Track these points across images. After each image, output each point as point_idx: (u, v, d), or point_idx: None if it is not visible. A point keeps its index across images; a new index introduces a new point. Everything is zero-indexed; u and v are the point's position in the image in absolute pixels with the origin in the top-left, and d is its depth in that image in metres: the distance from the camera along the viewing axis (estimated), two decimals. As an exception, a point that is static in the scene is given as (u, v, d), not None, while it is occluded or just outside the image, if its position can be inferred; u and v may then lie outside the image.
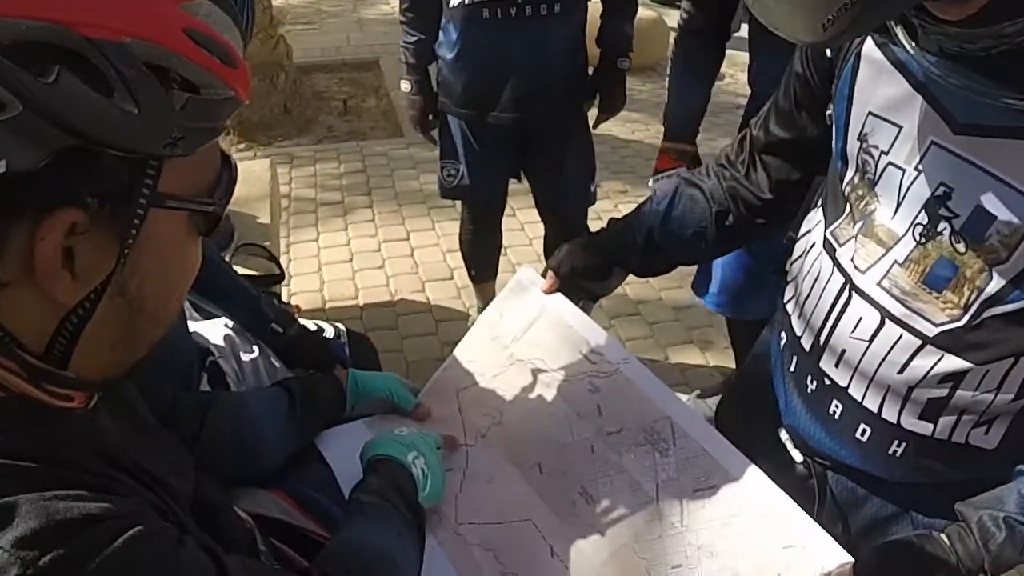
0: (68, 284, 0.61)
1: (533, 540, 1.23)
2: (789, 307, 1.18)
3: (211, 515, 0.90)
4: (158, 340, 0.74)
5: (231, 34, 0.64)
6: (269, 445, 1.29)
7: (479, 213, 3.00)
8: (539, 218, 3.03)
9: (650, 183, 2.40)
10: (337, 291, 3.60)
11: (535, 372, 1.38)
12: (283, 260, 3.71)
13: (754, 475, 1.14)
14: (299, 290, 3.60)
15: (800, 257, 1.18)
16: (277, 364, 1.72)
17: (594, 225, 2.97)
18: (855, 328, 1.04)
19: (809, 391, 1.13)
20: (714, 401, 2.81)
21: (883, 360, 1.02)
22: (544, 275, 1.44)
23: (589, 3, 2.60)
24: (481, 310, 3.18)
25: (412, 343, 3.27)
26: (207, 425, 1.20)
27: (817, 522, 1.09)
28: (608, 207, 4.29)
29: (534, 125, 2.65)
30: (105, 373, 0.71)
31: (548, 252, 3.06)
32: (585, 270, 1.41)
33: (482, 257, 3.13)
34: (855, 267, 1.04)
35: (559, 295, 1.42)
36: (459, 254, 3.19)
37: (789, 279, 1.21)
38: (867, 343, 1.03)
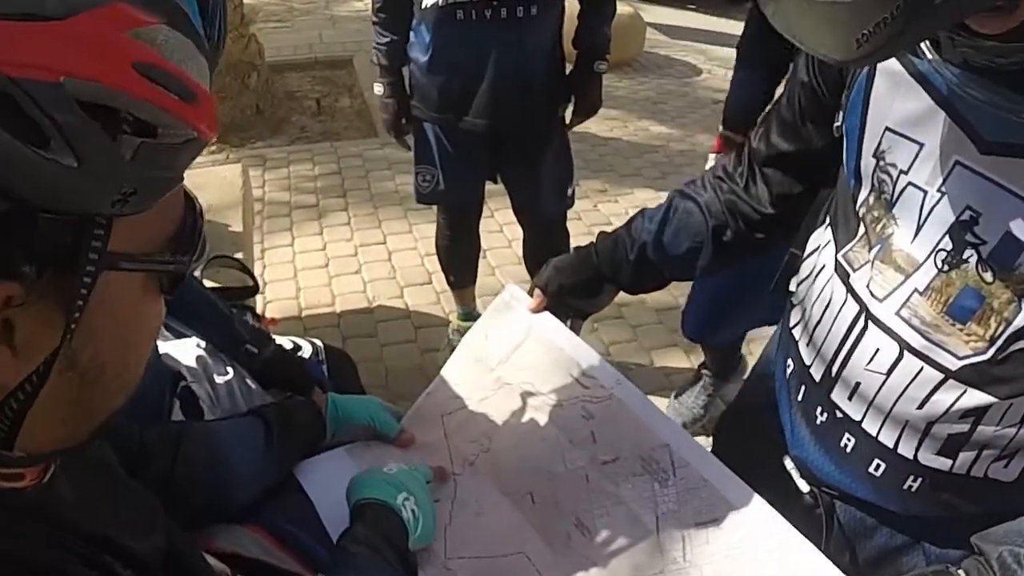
0: (8, 361, 0.53)
1: (527, 575, 1.17)
2: (796, 332, 1.12)
3: (184, 573, 0.83)
4: (121, 407, 0.66)
5: (194, 63, 0.56)
6: (245, 478, 1.22)
7: (456, 218, 2.93)
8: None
9: (708, 163, 2.43)
10: (313, 298, 3.52)
11: (524, 396, 1.32)
12: (257, 266, 3.64)
13: (759, 507, 1.08)
14: (274, 298, 3.52)
15: (807, 279, 1.12)
16: (253, 386, 1.64)
17: (572, 225, 2.93)
18: (871, 360, 0.98)
19: (818, 423, 1.07)
20: (687, 399, 2.79)
21: (901, 395, 0.96)
22: (530, 293, 1.38)
23: (566, 3, 2.53)
24: (461, 316, 3.13)
25: (391, 351, 3.20)
26: (179, 461, 1.13)
27: (824, 553, 1.04)
28: (587, 206, 4.25)
29: (510, 129, 2.57)
30: (59, 446, 0.63)
31: (528, 255, 3.01)
32: (574, 288, 1.34)
33: (460, 263, 3.07)
34: (871, 294, 0.97)
35: (547, 314, 1.36)
36: (437, 258, 3.12)
37: (795, 302, 1.15)
38: (884, 376, 0.97)
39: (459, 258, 3.04)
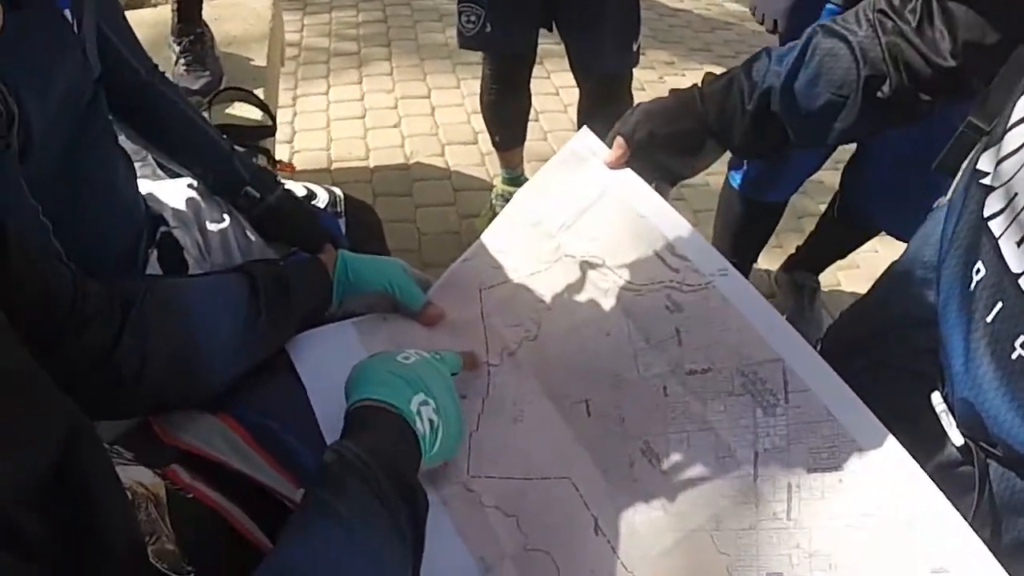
0: None
1: (571, 507, 0.89)
2: (995, 226, 0.77)
3: (79, 507, 0.55)
4: None
5: None
6: (219, 354, 0.93)
7: (504, 67, 2.54)
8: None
9: None
10: (345, 150, 3.22)
11: (589, 273, 1.02)
12: (286, 114, 3.36)
13: (900, 459, 0.78)
14: (303, 148, 3.23)
15: (1015, 155, 0.77)
16: (253, 237, 1.37)
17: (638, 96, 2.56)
18: None
19: (1013, 357, 0.74)
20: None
21: None
22: (610, 143, 1.06)
23: None
24: (506, 180, 2.82)
25: (426, 213, 2.91)
26: (129, 328, 0.85)
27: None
28: (652, 77, 3.89)
29: None
30: None
31: (582, 119, 2.64)
32: (669, 139, 1.03)
33: (508, 120, 2.70)
34: None
35: (628, 171, 1.05)
36: (481, 114, 2.76)
37: (995, 184, 0.80)
38: None
39: (506, 115, 2.68)
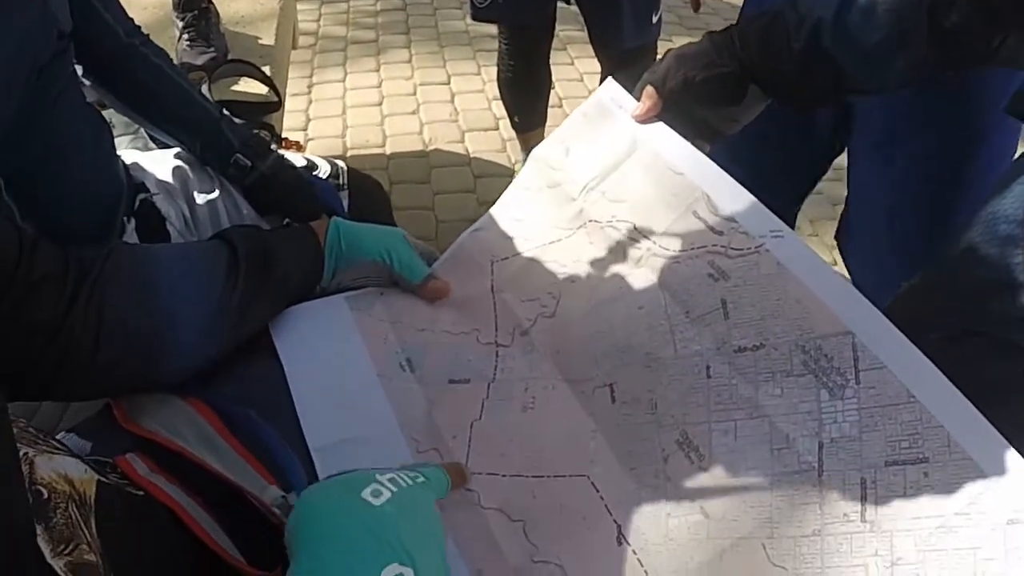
0: None
1: (590, 511, 0.75)
2: None
3: None
4: None
5: None
6: (189, 332, 0.80)
7: (520, 41, 2.43)
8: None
9: None
10: (362, 137, 3.12)
11: (618, 240, 0.89)
12: (301, 101, 3.28)
13: (997, 447, 0.64)
14: (317, 135, 3.13)
15: None
16: (245, 209, 1.24)
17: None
18: None
19: None
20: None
21: None
22: (638, 95, 0.93)
23: None
24: (527, 164, 2.68)
25: (445, 200, 2.80)
26: (83, 297, 0.72)
27: None
28: (680, 64, 3.75)
29: None
30: None
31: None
32: (704, 86, 0.89)
33: (526, 98, 2.58)
34: None
35: (661, 125, 0.91)
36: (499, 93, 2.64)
37: None
38: None
39: (524, 92, 2.56)
